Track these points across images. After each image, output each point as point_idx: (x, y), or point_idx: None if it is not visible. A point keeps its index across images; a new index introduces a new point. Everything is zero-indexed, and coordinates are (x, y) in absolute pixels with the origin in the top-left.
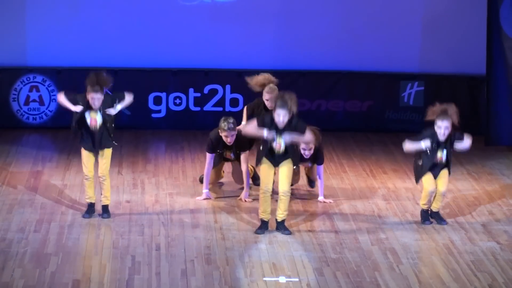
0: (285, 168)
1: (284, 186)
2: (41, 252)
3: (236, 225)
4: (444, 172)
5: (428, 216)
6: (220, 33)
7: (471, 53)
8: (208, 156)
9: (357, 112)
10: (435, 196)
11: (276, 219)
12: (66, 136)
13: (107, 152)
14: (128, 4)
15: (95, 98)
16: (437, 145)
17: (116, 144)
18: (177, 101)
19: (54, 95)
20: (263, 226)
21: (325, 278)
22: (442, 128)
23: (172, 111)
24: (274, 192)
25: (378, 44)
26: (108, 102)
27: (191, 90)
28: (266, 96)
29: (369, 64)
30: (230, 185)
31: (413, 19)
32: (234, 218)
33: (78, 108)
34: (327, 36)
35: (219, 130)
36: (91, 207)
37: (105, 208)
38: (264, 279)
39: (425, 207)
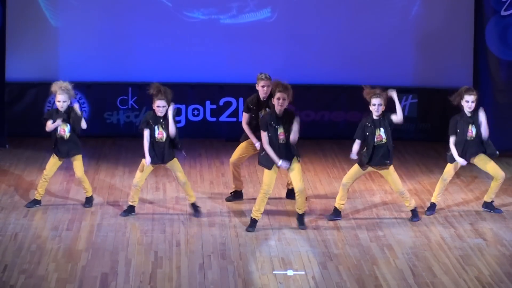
0: (295, 168)
1: (298, 185)
2: (73, 248)
3: (248, 224)
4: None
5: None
6: (234, 52)
7: (459, 68)
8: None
9: (357, 122)
10: None
11: (296, 212)
12: (95, 143)
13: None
14: (151, 25)
15: (161, 106)
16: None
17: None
18: (195, 112)
19: (85, 107)
20: (253, 225)
21: (329, 271)
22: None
23: (190, 121)
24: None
25: (376, 61)
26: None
27: (207, 102)
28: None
29: (368, 79)
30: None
31: (407, 39)
32: (246, 218)
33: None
34: (330, 55)
35: (257, 83)
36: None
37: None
38: (274, 272)
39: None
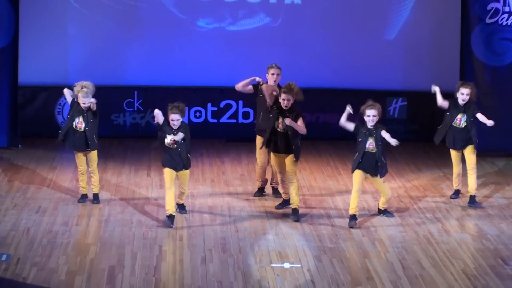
0: (288, 161)
1: (287, 175)
2: (82, 242)
3: (247, 219)
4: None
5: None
6: (234, 57)
7: (446, 73)
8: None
9: None
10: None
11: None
12: (102, 144)
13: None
14: (156, 33)
15: (175, 119)
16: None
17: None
18: (197, 114)
19: None
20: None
21: (323, 264)
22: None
23: (193, 122)
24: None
25: (368, 66)
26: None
27: (209, 105)
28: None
29: (360, 82)
30: (242, 186)
31: (398, 45)
32: (246, 214)
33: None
34: (325, 60)
35: (267, 72)
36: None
37: (181, 206)
38: (271, 265)
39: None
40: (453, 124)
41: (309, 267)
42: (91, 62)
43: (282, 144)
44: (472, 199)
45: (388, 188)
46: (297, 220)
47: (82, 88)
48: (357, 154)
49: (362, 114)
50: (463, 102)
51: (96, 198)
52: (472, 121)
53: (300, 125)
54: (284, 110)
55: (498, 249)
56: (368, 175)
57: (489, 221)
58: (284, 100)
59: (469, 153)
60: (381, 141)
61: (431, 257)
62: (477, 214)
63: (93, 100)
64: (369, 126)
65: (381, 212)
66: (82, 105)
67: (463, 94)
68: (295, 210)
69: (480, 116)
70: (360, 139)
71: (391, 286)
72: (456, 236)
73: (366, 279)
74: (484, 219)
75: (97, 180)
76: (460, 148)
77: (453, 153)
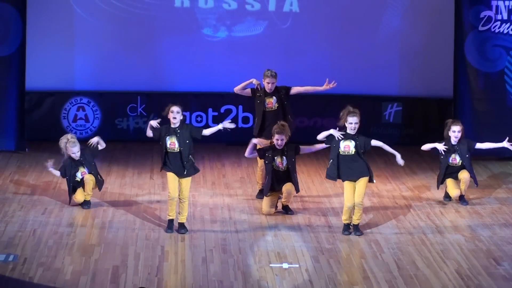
0: (288, 185)
1: (287, 187)
2: (87, 243)
3: (247, 221)
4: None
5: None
6: (234, 63)
7: (441, 79)
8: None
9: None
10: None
11: (282, 203)
12: (107, 147)
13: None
14: (158, 40)
15: (174, 111)
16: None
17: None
18: (199, 118)
19: (97, 114)
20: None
21: (320, 264)
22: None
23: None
24: None
25: (365, 73)
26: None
27: (210, 109)
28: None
29: (357, 88)
30: (242, 188)
31: (393, 52)
32: (245, 215)
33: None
34: (322, 66)
35: (263, 78)
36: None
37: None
38: (270, 265)
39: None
40: (450, 164)
41: (307, 267)
42: (96, 68)
43: (284, 181)
44: (462, 198)
45: (364, 192)
46: (291, 213)
47: (68, 140)
48: (331, 161)
49: (344, 120)
50: (456, 140)
51: (86, 203)
52: (468, 157)
53: (312, 148)
54: (279, 150)
55: (490, 249)
56: (359, 180)
57: (481, 222)
58: (278, 140)
59: (462, 173)
60: (365, 148)
61: (425, 258)
62: (470, 215)
63: (94, 140)
64: (349, 131)
65: (355, 229)
66: (72, 155)
67: (454, 132)
68: (286, 206)
69: (483, 145)
70: (333, 145)
71: (386, 286)
72: (450, 237)
73: (363, 279)
74: (477, 221)
75: (91, 189)
76: (456, 176)
77: (450, 180)
